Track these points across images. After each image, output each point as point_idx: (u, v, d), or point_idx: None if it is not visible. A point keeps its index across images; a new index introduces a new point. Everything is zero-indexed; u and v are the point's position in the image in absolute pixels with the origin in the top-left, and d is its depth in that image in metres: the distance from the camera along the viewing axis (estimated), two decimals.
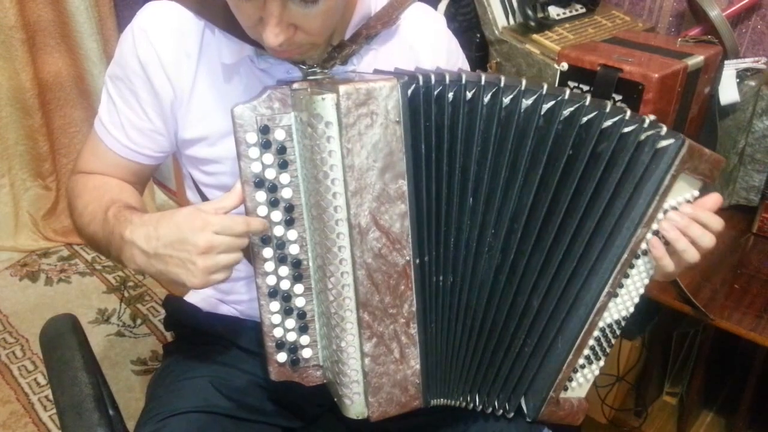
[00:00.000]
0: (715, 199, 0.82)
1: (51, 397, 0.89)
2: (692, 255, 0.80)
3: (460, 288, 0.81)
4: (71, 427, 0.83)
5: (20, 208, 2.39)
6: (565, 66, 1.23)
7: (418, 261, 0.76)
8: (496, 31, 1.46)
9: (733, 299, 1.21)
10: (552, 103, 0.74)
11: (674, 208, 0.80)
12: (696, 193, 0.82)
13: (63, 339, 0.94)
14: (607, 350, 0.88)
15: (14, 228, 2.39)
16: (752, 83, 1.32)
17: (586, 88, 1.21)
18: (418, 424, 0.94)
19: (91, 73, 2.31)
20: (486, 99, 0.74)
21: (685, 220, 0.79)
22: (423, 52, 0.94)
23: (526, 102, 0.74)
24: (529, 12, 1.44)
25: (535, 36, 1.44)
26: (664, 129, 0.76)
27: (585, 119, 0.75)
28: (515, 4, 1.49)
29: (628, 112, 0.76)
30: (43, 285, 2.23)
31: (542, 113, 0.75)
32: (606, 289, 0.81)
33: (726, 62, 1.32)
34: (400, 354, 0.79)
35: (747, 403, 1.41)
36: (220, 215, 0.73)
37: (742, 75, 1.34)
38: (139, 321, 2.08)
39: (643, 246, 0.81)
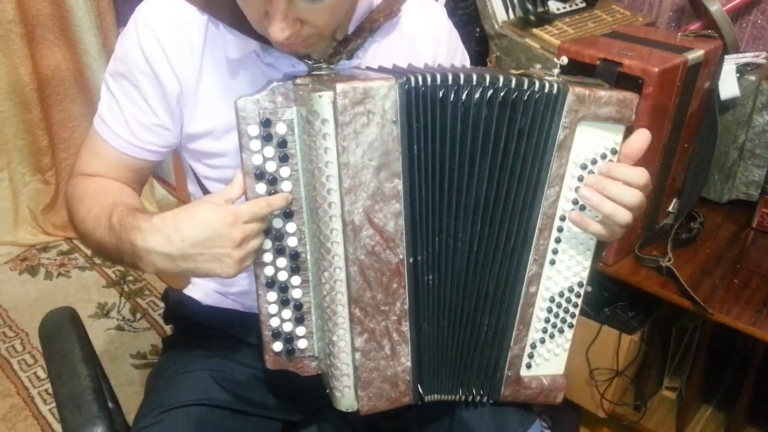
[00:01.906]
0: (641, 136, 0.79)
1: (51, 390, 0.89)
2: (622, 216, 0.78)
3: (444, 285, 0.82)
4: (70, 419, 0.83)
5: (19, 202, 2.39)
6: (564, 60, 1.21)
7: (411, 260, 0.77)
8: (496, 26, 1.46)
9: (733, 294, 1.21)
10: (491, 91, 0.76)
11: (594, 161, 0.79)
12: (618, 139, 0.80)
13: (62, 332, 0.94)
14: (570, 321, 0.88)
15: (14, 222, 2.39)
16: (752, 78, 1.32)
17: None
18: (406, 422, 0.94)
19: (90, 68, 2.31)
20: (451, 96, 0.75)
21: (601, 181, 0.78)
22: (423, 44, 0.94)
23: (476, 95, 0.76)
24: (529, 6, 1.44)
25: (535, 30, 1.44)
26: (555, 86, 0.76)
27: (511, 99, 0.76)
28: None
29: (537, 83, 0.76)
30: (43, 279, 2.23)
31: (485, 103, 0.76)
32: (531, 258, 0.82)
33: (726, 57, 1.32)
34: (391, 350, 0.79)
35: (746, 397, 1.41)
36: (246, 205, 0.73)
37: (742, 70, 1.33)
38: (138, 315, 2.08)
39: (566, 207, 0.81)
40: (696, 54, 1.21)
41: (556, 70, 0.80)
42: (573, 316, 0.88)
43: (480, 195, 0.79)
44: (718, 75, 1.31)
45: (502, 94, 0.76)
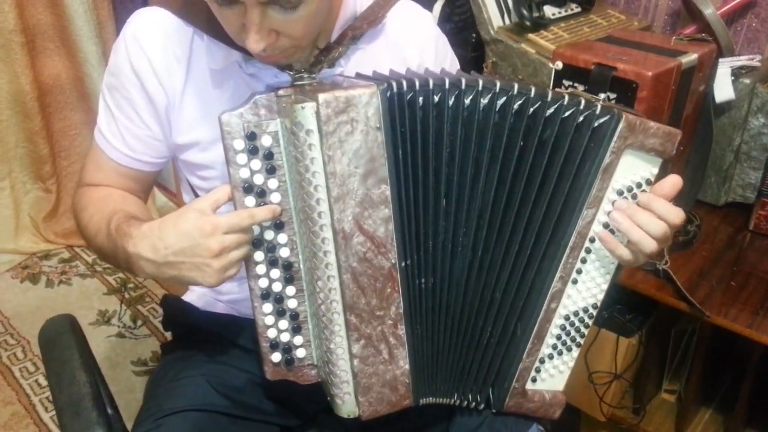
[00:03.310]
0: (672, 181, 0.81)
1: (51, 397, 0.90)
2: (648, 244, 0.79)
3: (440, 289, 0.82)
4: (69, 425, 0.83)
5: (21, 210, 2.40)
6: (559, 65, 1.23)
7: (403, 264, 0.78)
8: (492, 31, 1.47)
9: (730, 296, 1.21)
10: (504, 98, 0.76)
11: (629, 188, 0.80)
12: (655, 170, 0.81)
13: (61, 339, 0.95)
14: (579, 340, 0.88)
15: (15, 230, 2.39)
16: (747, 81, 1.33)
17: (581, 87, 1.21)
18: (403, 426, 0.94)
19: (90, 76, 2.32)
20: (451, 101, 0.75)
21: (632, 207, 0.79)
22: (409, 51, 0.95)
23: (484, 101, 0.76)
24: (525, 11, 1.45)
25: (531, 35, 1.44)
26: (599, 107, 0.77)
27: (531, 110, 0.77)
28: (510, 4, 1.49)
29: (566, 97, 0.77)
30: (44, 287, 2.24)
31: (497, 110, 0.76)
32: (558, 274, 0.82)
33: (721, 60, 1.32)
34: (388, 354, 0.80)
35: (745, 399, 1.41)
36: (226, 216, 0.74)
37: (737, 73, 1.34)
38: (139, 322, 2.08)
39: (597, 228, 0.82)
40: (690, 58, 1.22)
41: (602, 95, 0.81)
42: (582, 336, 0.88)
43: (487, 201, 0.79)
44: (713, 78, 1.31)
45: (518, 102, 0.76)
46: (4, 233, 2.38)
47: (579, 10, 1.56)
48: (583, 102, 0.77)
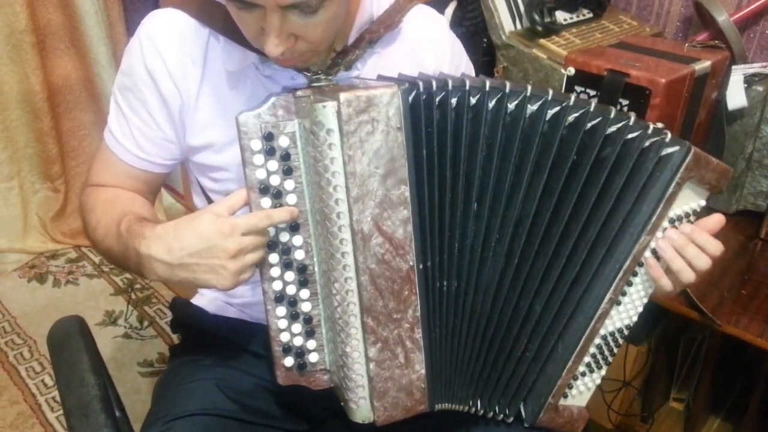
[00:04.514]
0: (716, 219, 0.82)
1: (58, 398, 0.90)
2: (688, 275, 0.80)
3: (465, 293, 0.81)
4: (78, 428, 0.83)
5: (29, 210, 2.41)
6: (571, 71, 1.23)
7: (421, 266, 0.77)
8: (503, 36, 1.46)
9: (741, 305, 1.20)
10: (557, 108, 0.75)
11: (679, 218, 0.80)
12: (702, 202, 0.82)
13: (70, 341, 0.95)
14: (609, 359, 0.88)
15: (23, 230, 2.40)
16: (760, 88, 1.32)
17: (592, 92, 1.21)
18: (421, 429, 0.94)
19: (100, 77, 2.33)
20: (491, 104, 0.75)
21: (681, 239, 0.80)
22: (425, 55, 0.95)
23: (531, 107, 0.75)
24: (536, 17, 1.44)
25: (542, 41, 1.44)
26: (669, 136, 0.77)
27: (589, 125, 0.75)
28: (522, 9, 1.49)
29: (633, 118, 0.76)
30: (51, 287, 2.24)
31: (547, 119, 0.75)
32: (608, 296, 0.82)
33: (734, 67, 1.32)
34: (405, 359, 0.79)
35: (754, 409, 1.40)
36: (244, 217, 0.74)
37: (749, 80, 1.33)
38: (146, 323, 2.08)
39: (647, 254, 0.81)
40: (703, 65, 1.21)
41: (660, 124, 0.81)
42: (613, 354, 0.88)
43: (528, 210, 0.78)
44: (726, 85, 1.30)
45: (574, 115, 0.75)
46: (12, 233, 2.38)
47: (591, 15, 1.56)
48: (651, 127, 0.76)
